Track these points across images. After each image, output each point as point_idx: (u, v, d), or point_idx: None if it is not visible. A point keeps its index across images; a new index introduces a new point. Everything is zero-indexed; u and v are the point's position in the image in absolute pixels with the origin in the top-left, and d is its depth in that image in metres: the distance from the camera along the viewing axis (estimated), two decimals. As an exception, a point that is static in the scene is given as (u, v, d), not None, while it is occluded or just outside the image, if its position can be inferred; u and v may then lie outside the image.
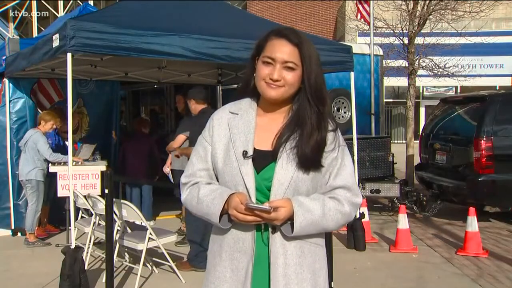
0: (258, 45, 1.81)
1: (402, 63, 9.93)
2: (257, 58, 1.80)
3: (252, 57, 1.84)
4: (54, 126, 6.43)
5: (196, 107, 5.39)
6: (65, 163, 6.00)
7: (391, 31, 9.74)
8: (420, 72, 9.92)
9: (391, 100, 19.67)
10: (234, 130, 1.78)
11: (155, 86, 8.75)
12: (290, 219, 1.68)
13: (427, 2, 9.15)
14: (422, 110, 19.59)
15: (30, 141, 6.21)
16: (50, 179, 6.52)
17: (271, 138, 1.76)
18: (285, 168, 1.71)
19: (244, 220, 1.66)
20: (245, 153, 1.73)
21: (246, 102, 1.84)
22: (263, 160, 1.74)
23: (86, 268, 4.65)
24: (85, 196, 5.37)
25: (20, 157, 6.36)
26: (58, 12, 19.68)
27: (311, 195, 1.75)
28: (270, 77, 1.72)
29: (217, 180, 1.83)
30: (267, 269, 1.71)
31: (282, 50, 1.72)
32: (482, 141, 6.81)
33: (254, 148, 1.75)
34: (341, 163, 1.79)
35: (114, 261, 4.49)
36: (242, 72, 7.59)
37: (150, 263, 5.16)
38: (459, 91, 18.09)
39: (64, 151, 6.61)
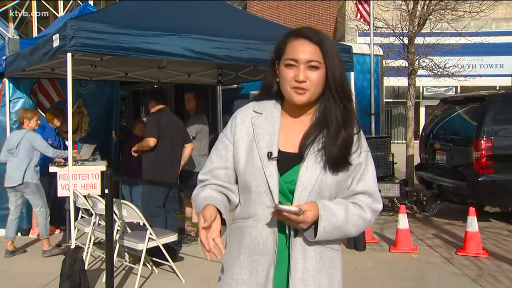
0: (277, 48, 1.77)
1: (402, 63, 9.93)
2: (277, 62, 1.76)
3: (272, 62, 1.79)
4: (39, 122, 6.13)
5: (155, 107, 5.73)
6: (66, 161, 5.96)
7: (391, 31, 9.74)
8: (420, 72, 9.93)
9: (391, 100, 19.69)
10: (258, 130, 1.74)
11: (155, 86, 8.74)
12: (314, 224, 1.65)
13: (427, 2, 9.16)
14: (422, 110, 19.61)
15: (23, 142, 5.82)
16: (50, 179, 6.51)
17: (296, 141, 1.72)
18: (310, 172, 1.68)
19: (201, 239, 1.59)
20: (270, 154, 1.69)
21: (271, 103, 1.80)
22: (287, 163, 1.70)
23: (86, 268, 4.65)
24: (85, 196, 5.38)
25: (10, 164, 5.89)
26: (58, 12, 19.69)
27: (335, 200, 1.73)
28: (295, 79, 1.68)
29: (236, 180, 1.79)
30: (286, 271, 1.70)
31: (304, 50, 1.68)
32: (482, 141, 6.80)
33: (279, 150, 1.71)
34: (365, 168, 1.76)
35: (114, 261, 4.49)
36: (242, 72, 7.60)
37: (150, 263, 5.16)
38: (459, 91, 18.11)
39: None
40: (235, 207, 1.83)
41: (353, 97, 1.78)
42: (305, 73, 1.68)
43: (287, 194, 1.70)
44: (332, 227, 1.66)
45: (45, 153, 5.90)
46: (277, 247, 1.69)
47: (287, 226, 1.69)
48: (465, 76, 12.37)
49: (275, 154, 1.70)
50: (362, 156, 1.75)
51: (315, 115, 1.76)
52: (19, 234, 6.75)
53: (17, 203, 5.97)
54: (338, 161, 1.69)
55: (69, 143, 4.76)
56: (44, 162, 6.43)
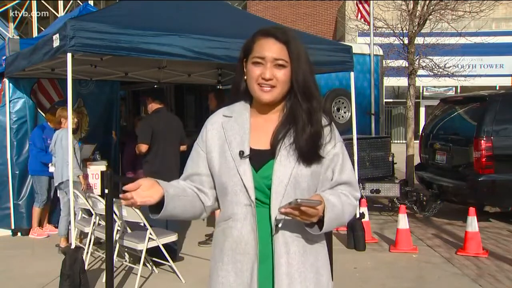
0: (245, 46, 1.80)
1: (402, 63, 9.92)
2: (245, 60, 1.79)
3: (240, 60, 1.82)
4: (76, 120, 6.13)
5: (152, 105, 5.65)
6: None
7: (391, 31, 9.74)
8: (420, 72, 9.92)
9: (391, 100, 19.68)
10: (229, 132, 1.77)
11: (155, 86, 8.74)
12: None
13: (427, 2, 9.15)
14: (422, 110, 19.61)
15: (58, 141, 5.85)
16: (50, 179, 6.52)
17: (267, 138, 1.75)
18: (284, 165, 1.70)
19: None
20: (241, 153, 1.71)
21: (240, 105, 1.83)
22: (261, 159, 1.73)
23: (86, 268, 4.65)
24: (85, 196, 5.38)
25: (54, 164, 6.00)
26: (58, 12, 19.68)
27: (327, 191, 1.76)
28: (262, 76, 1.71)
29: (214, 185, 1.82)
30: (271, 268, 1.71)
31: (271, 48, 1.71)
32: (482, 141, 6.80)
33: (251, 148, 1.74)
34: (343, 158, 1.80)
35: (114, 261, 4.49)
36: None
37: (150, 263, 5.16)
38: (459, 91, 18.11)
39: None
40: (210, 212, 1.86)
41: (318, 96, 1.78)
42: (271, 71, 1.71)
43: (264, 190, 1.72)
44: (334, 217, 1.69)
45: (63, 153, 5.72)
46: (258, 244, 1.70)
47: (271, 222, 1.70)
48: (465, 76, 12.36)
49: (246, 152, 1.72)
50: (337, 146, 1.80)
51: (283, 112, 1.80)
52: (19, 234, 6.77)
53: (64, 200, 5.94)
54: (308, 154, 1.72)
55: (69, 143, 4.76)
56: (44, 160, 6.45)
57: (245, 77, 1.79)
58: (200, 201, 1.82)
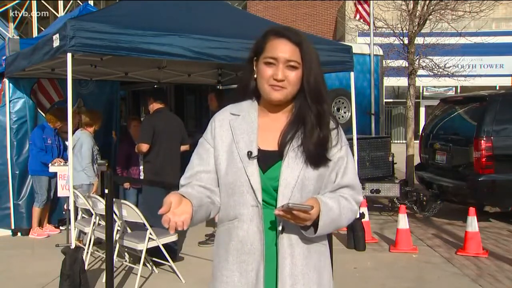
0: (256, 46, 1.79)
1: (402, 63, 9.93)
2: (255, 60, 1.78)
3: (250, 59, 1.81)
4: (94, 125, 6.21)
5: (153, 105, 5.67)
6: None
7: (391, 31, 9.74)
8: (420, 72, 9.92)
9: (391, 100, 19.68)
10: (236, 131, 1.75)
11: (155, 86, 8.75)
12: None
13: (427, 2, 9.16)
14: (422, 110, 19.61)
15: (78, 143, 5.91)
16: (50, 179, 6.52)
17: (275, 138, 1.74)
18: (292, 167, 1.69)
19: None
20: (250, 154, 1.70)
21: (247, 103, 1.82)
22: (268, 160, 1.72)
23: (86, 268, 4.65)
24: (85, 196, 5.37)
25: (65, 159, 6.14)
26: (58, 12, 19.69)
27: (326, 194, 1.75)
28: (274, 77, 1.70)
29: (218, 183, 1.79)
30: (275, 268, 1.71)
31: (284, 49, 1.70)
32: (482, 141, 6.80)
33: (259, 149, 1.73)
34: (347, 161, 1.80)
35: (114, 261, 4.49)
36: (242, 73, 7.59)
37: (150, 263, 5.16)
38: (459, 91, 18.11)
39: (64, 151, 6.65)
40: (218, 211, 1.82)
41: (327, 99, 1.77)
42: (283, 72, 1.70)
43: (270, 191, 1.71)
44: (330, 221, 1.69)
45: (83, 161, 5.92)
46: (264, 245, 1.70)
47: (276, 223, 1.70)
48: (465, 76, 12.36)
49: (255, 153, 1.71)
50: (343, 149, 1.80)
51: (291, 112, 1.79)
52: (19, 234, 6.76)
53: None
54: (316, 157, 1.72)
55: (69, 143, 4.76)
56: (44, 160, 6.45)
57: (255, 76, 1.78)
58: (212, 206, 1.77)
